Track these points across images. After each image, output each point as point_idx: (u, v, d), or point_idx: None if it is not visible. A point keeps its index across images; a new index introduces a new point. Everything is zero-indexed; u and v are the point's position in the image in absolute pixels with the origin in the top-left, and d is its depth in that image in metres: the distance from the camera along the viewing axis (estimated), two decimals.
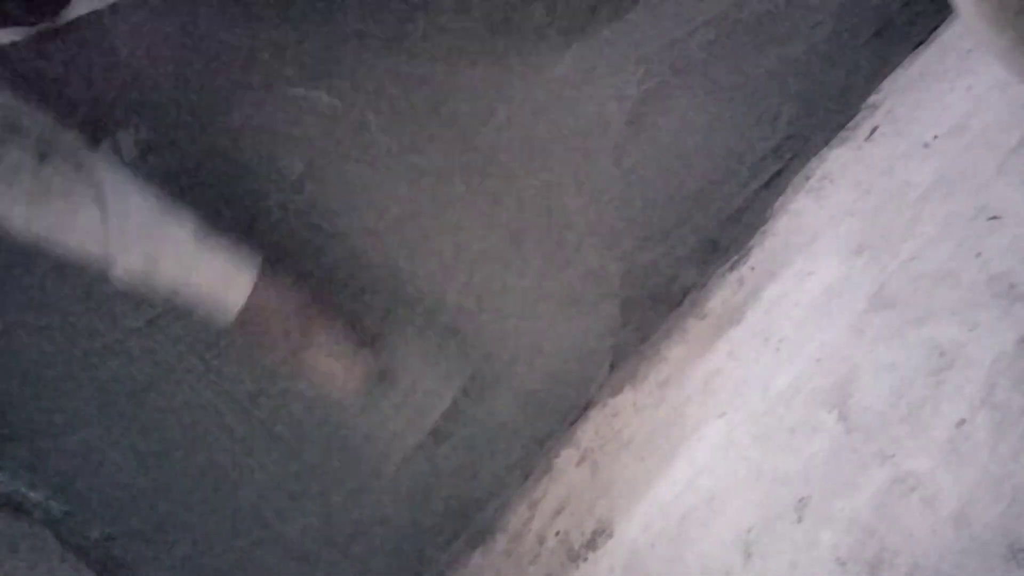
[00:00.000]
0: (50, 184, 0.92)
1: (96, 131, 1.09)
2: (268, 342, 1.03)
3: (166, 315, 1.11)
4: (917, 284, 0.91)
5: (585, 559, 1.05)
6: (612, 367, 1.28)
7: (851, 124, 1.23)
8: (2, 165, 0.90)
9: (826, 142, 1.24)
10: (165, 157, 1.07)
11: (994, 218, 0.89)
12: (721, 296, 1.18)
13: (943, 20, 1.23)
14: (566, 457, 1.22)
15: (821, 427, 0.88)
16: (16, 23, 0.90)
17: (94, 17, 0.99)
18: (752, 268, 1.17)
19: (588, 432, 1.22)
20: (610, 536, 1.04)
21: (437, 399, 1.10)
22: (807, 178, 1.21)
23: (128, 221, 0.95)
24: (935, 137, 1.05)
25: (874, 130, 1.18)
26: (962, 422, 0.76)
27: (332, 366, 1.06)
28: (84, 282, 1.10)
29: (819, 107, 1.27)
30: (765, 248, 1.18)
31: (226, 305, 1.00)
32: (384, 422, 1.12)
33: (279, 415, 1.20)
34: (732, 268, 1.21)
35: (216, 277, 1.00)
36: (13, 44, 0.94)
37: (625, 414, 1.18)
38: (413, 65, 1.16)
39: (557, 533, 1.12)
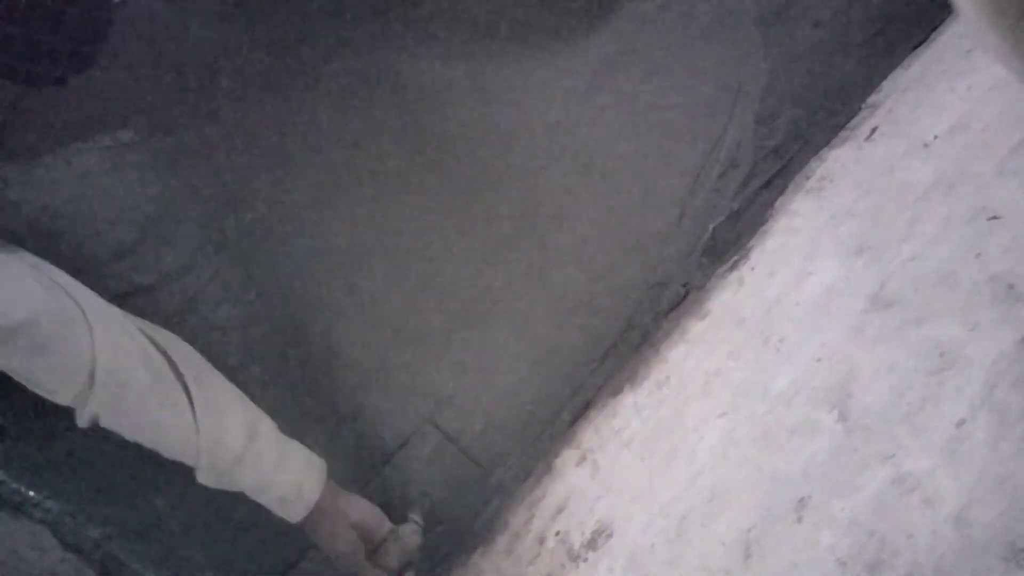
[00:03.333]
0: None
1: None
2: (334, 535, 1.09)
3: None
4: (917, 284, 0.91)
5: (585, 559, 1.05)
6: (611, 367, 1.28)
7: (851, 124, 1.23)
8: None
9: (826, 142, 1.24)
10: None
11: (994, 218, 0.88)
12: (721, 296, 1.18)
13: (943, 20, 1.23)
14: (566, 457, 1.22)
15: (821, 427, 0.88)
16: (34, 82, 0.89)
17: None
18: (752, 268, 1.17)
19: (588, 432, 1.22)
20: (610, 536, 1.03)
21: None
22: (807, 178, 1.21)
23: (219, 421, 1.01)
24: (935, 137, 1.05)
25: (874, 130, 1.18)
26: (962, 422, 0.75)
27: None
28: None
29: (819, 107, 1.27)
30: (765, 248, 1.18)
31: (302, 500, 1.05)
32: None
33: None
34: (732, 268, 1.21)
35: (295, 474, 1.05)
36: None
37: (625, 414, 1.18)
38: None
39: (557, 533, 1.12)
